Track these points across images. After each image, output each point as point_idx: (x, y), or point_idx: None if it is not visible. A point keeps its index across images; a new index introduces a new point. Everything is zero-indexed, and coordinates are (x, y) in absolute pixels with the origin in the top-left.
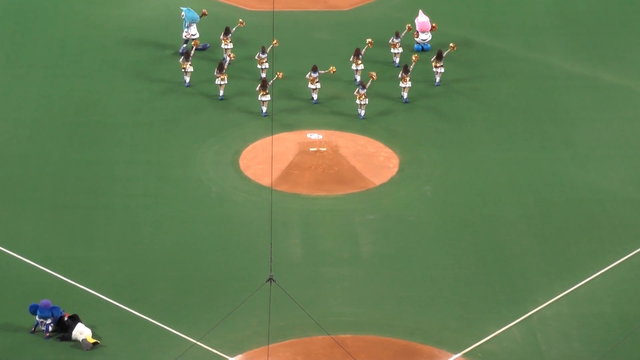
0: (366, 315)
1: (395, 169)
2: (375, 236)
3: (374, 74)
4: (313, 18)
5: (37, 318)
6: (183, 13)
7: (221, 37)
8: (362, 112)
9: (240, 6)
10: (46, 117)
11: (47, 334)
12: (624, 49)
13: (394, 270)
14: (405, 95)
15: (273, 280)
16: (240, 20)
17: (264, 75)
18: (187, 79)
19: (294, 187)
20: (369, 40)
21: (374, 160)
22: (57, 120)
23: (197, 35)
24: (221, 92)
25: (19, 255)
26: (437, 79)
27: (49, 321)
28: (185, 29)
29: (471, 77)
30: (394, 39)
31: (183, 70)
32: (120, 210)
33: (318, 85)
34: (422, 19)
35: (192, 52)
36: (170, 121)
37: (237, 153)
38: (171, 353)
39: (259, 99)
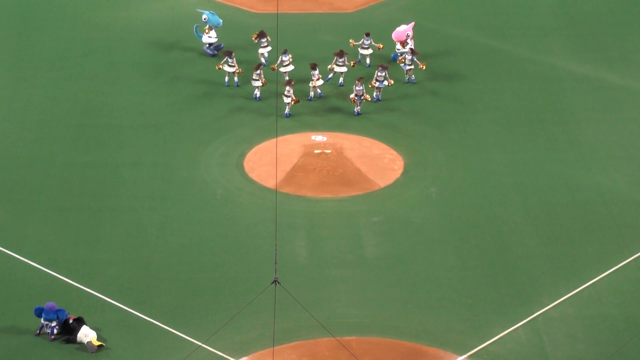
0: (371, 317)
1: (400, 171)
2: (380, 238)
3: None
4: (317, 20)
5: (42, 320)
6: (205, 16)
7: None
8: (358, 108)
9: (245, 8)
10: (52, 119)
11: (52, 337)
12: (629, 50)
13: (399, 272)
14: (413, 77)
15: (278, 283)
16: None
17: (287, 77)
18: (227, 78)
19: (299, 189)
20: (350, 40)
21: (378, 162)
22: (62, 122)
23: (217, 39)
24: (258, 93)
25: (24, 257)
26: (407, 77)
27: (54, 324)
28: (208, 34)
29: (476, 79)
30: (364, 40)
31: (224, 69)
32: (126, 212)
33: (319, 83)
34: (400, 29)
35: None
36: (176, 123)
37: (242, 155)
38: (176, 355)
39: (285, 100)
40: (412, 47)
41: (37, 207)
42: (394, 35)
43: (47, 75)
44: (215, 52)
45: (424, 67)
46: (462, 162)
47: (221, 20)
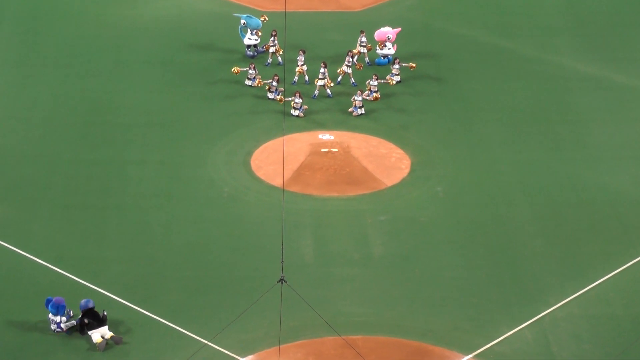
0: (377, 316)
1: (407, 170)
2: (386, 237)
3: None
4: (325, 18)
5: (49, 315)
6: (243, 21)
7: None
8: (360, 111)
9: (252, 6)
10: (58, 116)
11: (59, 330)
12: (636, 50)
13: (405, 271)
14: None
15: (284, 281)
16: (264, 16)
17: (306, 77)
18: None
19: (306, 187)
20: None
21: (385, 161)
22: (68, 120)
23: (259, 41)
24: (270, 95)
25: (30, 254)
26: (390, 80)
27: (58, 319)
28: (248, 35)
29: (483, 78)
30: (361, 38)
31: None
32: (132, 210)
33: (325, 82)
34: (384, 29)
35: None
36: (182, 121)
37: (249, 153)
38: (182, 353)
39: (295, 101)
40: (392, 54)
41: (43, 205)
42: (376, 35)
43: (54, 73)
44: (255, 54)
45: (414, 66)
46: (468, 162)
47: (260, 22)
